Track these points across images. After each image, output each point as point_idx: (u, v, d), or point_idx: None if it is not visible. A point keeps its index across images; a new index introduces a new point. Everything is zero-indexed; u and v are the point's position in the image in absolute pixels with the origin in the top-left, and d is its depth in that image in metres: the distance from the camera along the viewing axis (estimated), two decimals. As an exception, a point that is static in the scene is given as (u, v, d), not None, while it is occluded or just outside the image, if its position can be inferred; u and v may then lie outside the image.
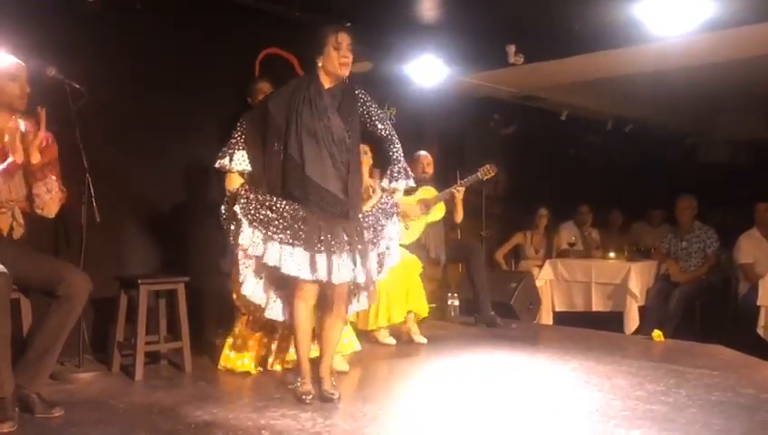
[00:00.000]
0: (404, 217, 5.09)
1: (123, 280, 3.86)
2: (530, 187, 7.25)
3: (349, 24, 5.13)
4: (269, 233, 3.13)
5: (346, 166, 3.24)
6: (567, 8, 4.83)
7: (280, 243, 3.12)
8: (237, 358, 3.85)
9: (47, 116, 3.05)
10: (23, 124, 3.08)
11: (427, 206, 5.25)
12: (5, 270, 2.77)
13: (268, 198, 3.19)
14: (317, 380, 3.30)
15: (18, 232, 3.04)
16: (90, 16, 4.06)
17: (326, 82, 3.27)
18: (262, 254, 3.14)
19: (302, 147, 3.16)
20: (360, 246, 3.21)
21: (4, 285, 2.75)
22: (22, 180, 3.03)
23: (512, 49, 5.34)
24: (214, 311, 4.48)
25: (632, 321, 5.90)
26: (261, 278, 3.31)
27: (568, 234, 6.96)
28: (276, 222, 3.15)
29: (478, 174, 5.30)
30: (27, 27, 3.65)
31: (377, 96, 5.84)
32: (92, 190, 3.61)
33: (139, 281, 3.73)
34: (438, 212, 5.31)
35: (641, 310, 5.95)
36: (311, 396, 3.19)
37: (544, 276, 6.41)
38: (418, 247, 5.17)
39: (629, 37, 4.87)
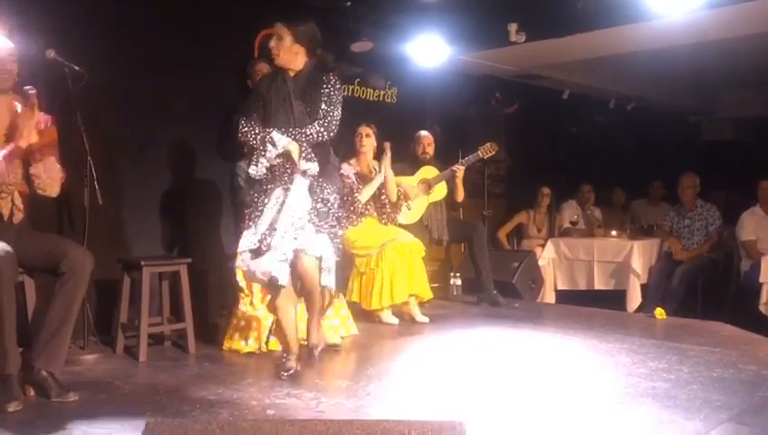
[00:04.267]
0: (405, 198, 5.10)
1: (126, 262, 3.87)
2: (532, 166, 7.23)
3: (349, 4, 5.18)
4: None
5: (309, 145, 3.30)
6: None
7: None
8: (241, 338, 3.87)
9: (39, 96, 3.02)
10: (18, 106, 3.07)
11: (428, 186, 5.25)
12: (10, 249, 2.78)
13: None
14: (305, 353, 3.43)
15: (18, 217, 3.04)
16: (88, -1, 4.04)
17: (291, 71, 3.36)
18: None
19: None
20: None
21: (9, 264, 2.76)
22: (19, 163, 3.02)
23: (513, 27, 5.29)
24: (217, 292, 4.51)
25: (634, 299, 5.91)
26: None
27: (570, 213, 6.94)
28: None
29: (479, 153, 5.29)
30: (26, 10, 3.62)
31: (378, 75, 5.92)
32: (94, 173, 3.61)
33: (142, 263, 3.74)
34: (440, 192, 5.31)
35: (643, 288, 5.96)
36: (288, 373, 3.32)
37: (547, 255, 6.41)
38: (421, 228, 5.18)
39: (632, 15, 4.83)
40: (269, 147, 3.26)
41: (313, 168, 3.27)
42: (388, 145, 4.74)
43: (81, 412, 2.79)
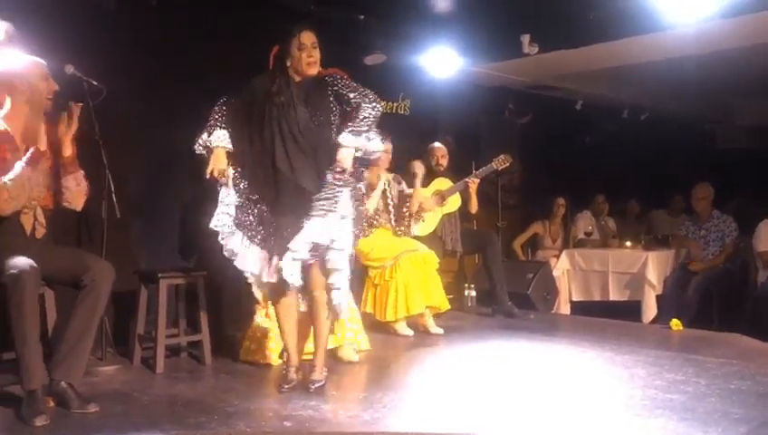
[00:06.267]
0: (420, 210, 5.11)
1: (143, 274, 3.91)
2: (545, 176, 7.22)
3: (362, 17, 5.21)
4: (237, 220, 3.27)
5: (314, 151, 3.27)
6: (582, -4, 4.81)
7: (249, 240, 3.27)
8: (257, 350, 3.89)
9: (79, 110, 3.10)
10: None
11: (442, 197, 5.26)
12: (35, 264, 2.82)
13: (246, 189, 3.30)
14: (311, 368, 3.39)
15: (40, 232, 3.09)
16: (105, 14, 4.09)
17: (296, 78, 3.33)
18: (225, 240, 3.28)
19: (273, 138, 3.25)
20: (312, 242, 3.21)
21: (33, 279, 2.81)
22: (46, 177, 3.08)
23: (526, 39, 5.31)
24: (233, 304, 4.52)
25: (650, 310, 5.88)
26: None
27: (584, 223, 6.94)
28: (246, 213, 3.28)
29: (493, 164, 5.30)
30: (44, 26, 3.68)
31: (391, 88, 5.96)
32: (112, 186, 3.66)
33: (159, 275, 3.77)
34: (454, 203, 5.32)
35: (658, 299, 5.93)
36: (286, 387, 3.31)
37: (561, 266, 6.39)
38: (434, 239, 5.19)
39: (645, 25, 4.83)
40: (204, 135, 3.30)
41: (376, 144, 3.24)
42: (418, 165, 4.88)
43: (101, 424, 2.82)
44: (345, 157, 3.18)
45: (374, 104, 3.26)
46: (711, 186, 6.12)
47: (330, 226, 3.21)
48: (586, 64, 6.07)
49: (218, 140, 3.28)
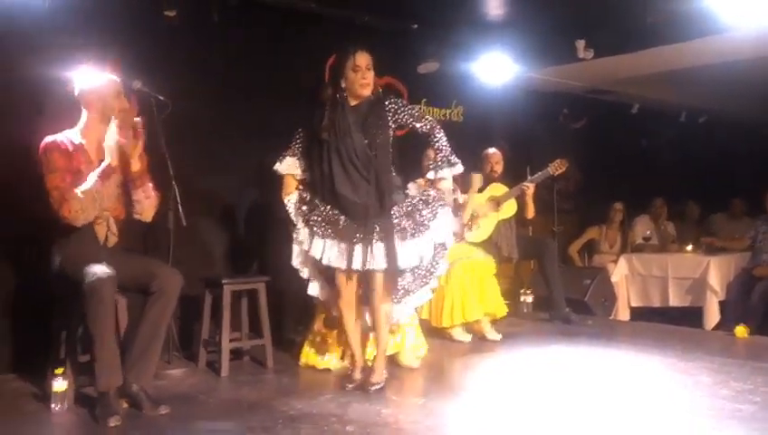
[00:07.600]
0: (474, 216, 5.11)
1: (208, 280, 4.02)
2: (602, 181, 7.13)
3: (416, 26, 5.26)
4: (315, 229, 3.43)
5: (375, 176, 3.35)
6: (638, 0, 4.74)
7: (322, 238, 3.41)
8: (317, 354, 3.97)
9: (144, 126, 3.24)
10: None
11: (497, 203, 5.24)
12: (112, 273, 2.95)
13: (317, 203, 3.45)
14: (371, 371, 3.50)
15: (112, 240, 3.24)
16: (169, 31, 4.25)
17: (352, 101, 3.41)
18: (309, 248, 3.46)
19: (332, 164, 3.37)
20: (388, 238, 3.35)
21: (110, 286, 2.94)
22: (116, 189, 3.22)
23: (581, 44, 5.27)
24: (294, 309, 4.62)
25: (712, 316, 5.74)
26: (319, 276, 3.61)
27: (642, 228, 6.81)
28: (321, 222, 3.42)
29: (549, 169, 5.26)
30: (112, 44, 3.85)
31: (444, 95, 5.99)
32: (178, 196, 3.78)
33: (223, 281, 3.89)
34: (509, 209, 5.29)
35: (721, 305, 5.79)
36: (350, 386, 3.45)
37: (619, 272, 6.30)
38: (490, 245, 5.16)
39: (703, 28, 4.74)
40: (278, 163, 3.55)
41: (457, 168, 3.48)
42: (478, 178, 4.95)
43: (171, 426, 2.93)
44: (448, 188, 3.47)
45: (442, 131, 3.46)
46: None
47: (427, 247, 3.44)
48: (642, 68, 5.97)
49: (287, 167, 3.55)
